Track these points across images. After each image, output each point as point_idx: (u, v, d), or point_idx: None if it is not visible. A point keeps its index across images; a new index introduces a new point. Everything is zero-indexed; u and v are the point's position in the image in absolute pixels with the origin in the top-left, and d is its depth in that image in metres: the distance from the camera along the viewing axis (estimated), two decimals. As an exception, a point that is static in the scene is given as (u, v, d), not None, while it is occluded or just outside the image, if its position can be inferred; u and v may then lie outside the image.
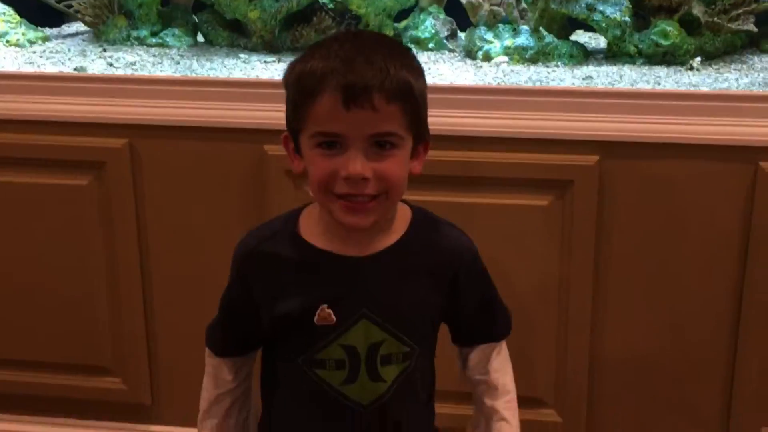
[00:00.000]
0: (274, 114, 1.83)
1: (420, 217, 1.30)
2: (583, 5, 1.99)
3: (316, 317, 1.23)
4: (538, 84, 1.85)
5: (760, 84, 1.82)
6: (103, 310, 2.03)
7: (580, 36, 2.22)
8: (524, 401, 1.89)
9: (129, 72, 1.95)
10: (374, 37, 1.22)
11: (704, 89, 1.79)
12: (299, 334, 1.25)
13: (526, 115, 1.78)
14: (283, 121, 1.80)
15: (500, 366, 1.39)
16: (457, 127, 1.77)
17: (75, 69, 1.97)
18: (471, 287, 1.31)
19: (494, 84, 1.85)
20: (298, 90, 1.17)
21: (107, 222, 1.96)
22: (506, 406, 1.38)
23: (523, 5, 2.06)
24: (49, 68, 2.00)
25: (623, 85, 1.83)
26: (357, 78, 1.12)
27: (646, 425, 1.93)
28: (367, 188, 1.16)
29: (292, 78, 1.19)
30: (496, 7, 2.06)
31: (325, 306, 1.23)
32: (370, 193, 1.16)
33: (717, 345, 1.85)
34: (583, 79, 1.88)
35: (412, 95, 1.16)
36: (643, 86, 1.82)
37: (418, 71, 1.19)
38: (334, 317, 1.23)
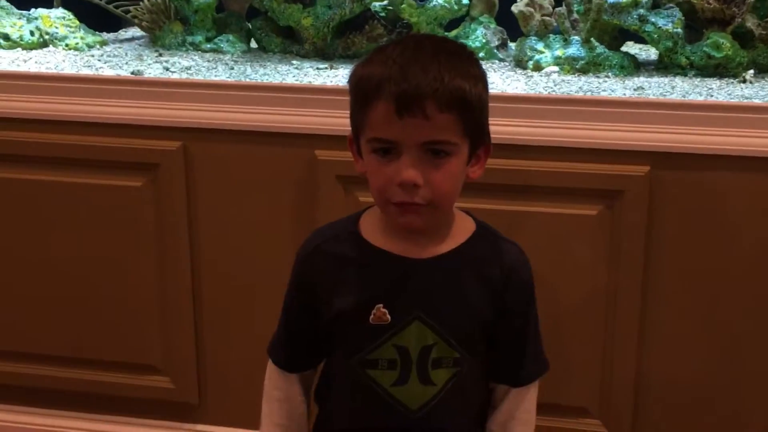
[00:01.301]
0: (325, 120, 1.88)
1: (482, 230, 1.32)
2: (635, 16, 1.99)
3: (371, 316, 1.25)
4: (589, 94, 1.85)
5: (814, 97, 1.81)
6: (154, 310, 2.06)
7: (631, 48, 2.22)
8: (568, 411, 1.92)
9: (185, 76, 1.99)
10: (435, 43, 1.23)
11: (757, 101, 1.79)
12: (354, 333, 1.27)
13: (577, 125, 1.79)
14: (334, 127, 1.87)
15: (520, 416, 1.35)
16: (508, 136, 1.78)
17: (132, 73, 2.01)
18: (516, 307, 1.31)
19: (545, 93, 1.86)
20: (357, 95, 1.22)
21: (160, 223, 2.00)
22: None
23: (575, 16, 2.07)
24: (107, 72, 2.04)
25: (675, 96, 1.83)
26: (410, 86, 1.14)
27: (693, 438, 1.92)
28: (418, 196, 1.18)
29: (353, 82, 1.24)
30: (547, 18, 2.07)
31: (380, 305, 1.25)
32: (419, 202, 1.19)
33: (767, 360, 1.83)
34: (635, 89, 1.88)
35: (467, 103, 1.18)
36: (695, 98, 1.81)
37: (477, 77, 1.20)
38: (389, 317, 1.24)
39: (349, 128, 1.82)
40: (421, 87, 1.14)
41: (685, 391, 1.88)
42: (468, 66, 1.20)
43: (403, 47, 1.19)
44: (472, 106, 1.19)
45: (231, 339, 2.06)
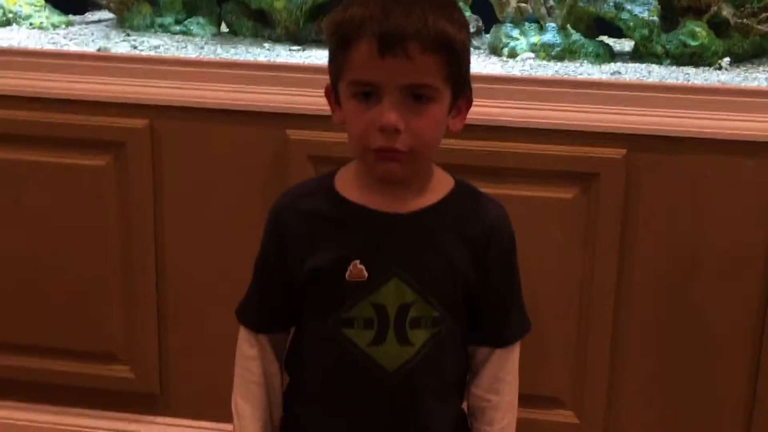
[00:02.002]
0: (297, 98, 1.84)
1: (462, 186, 1.28)
2: (611, 4, 1.98)
3: (348, 273, 1.21)
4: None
5: (790, 84, 1.80)
6: (116, 295, 1.99)
7: (606, 41, 2.21)
8: (540, 400, 1.88)
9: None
10: None
11: (734, 85, 1.77)
12: (329, 290, 1.22)
13: (552, 106, 1.77)
14: (306, 106, 1.83)
15: (504, 377, 1.32)
16: (483, 117, 1.75)
17: (98, 50, 1.96)
18: (498, 266, 1.27)
19: (523, 74, 1.84)
20: (337, 38, 1.17)
21: (124, 205, 1.94)
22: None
23: (551, 3, 2.05)
24: (72, 49, 1.99)
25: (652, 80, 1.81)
26: (393, 26, 1.11)
27: (667, 428, 1.88)
28: (398, 141, 1.14)
29: (332, 26, 1.19)
30: (523, 4, 2.05)
31: (357, 261, 1.20)
32: (400, 148, 1.15)
33: (742, 346, 1.81)
34: (611, 74, 1.87)
35: (451, 46, 1.15)
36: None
37: (461, 23, 1.17)
38: (366, 273, 1.20)
39: (321, 107, 1.80)
40: (404, 27, 1.11)
41: (659, 376, 1.85)
42: (452, 11, 1.18)
43: None
44: (456, 50, 1.16)
45: (195, 327, 2.00)
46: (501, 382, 1.31)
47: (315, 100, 1.81)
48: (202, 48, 2.01)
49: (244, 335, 1.34)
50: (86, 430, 2.08)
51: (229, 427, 1.93)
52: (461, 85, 1.21)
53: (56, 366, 2.06)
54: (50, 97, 1.90)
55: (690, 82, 1.79)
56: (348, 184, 1.25)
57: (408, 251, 1.22)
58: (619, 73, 1.87)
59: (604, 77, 1.83)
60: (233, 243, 1.92)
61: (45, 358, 2.06)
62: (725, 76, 1.86)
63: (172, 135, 1.89)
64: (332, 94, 1.24)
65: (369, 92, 1.15)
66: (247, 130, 1.87)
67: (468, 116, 1.28)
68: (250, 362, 1.32)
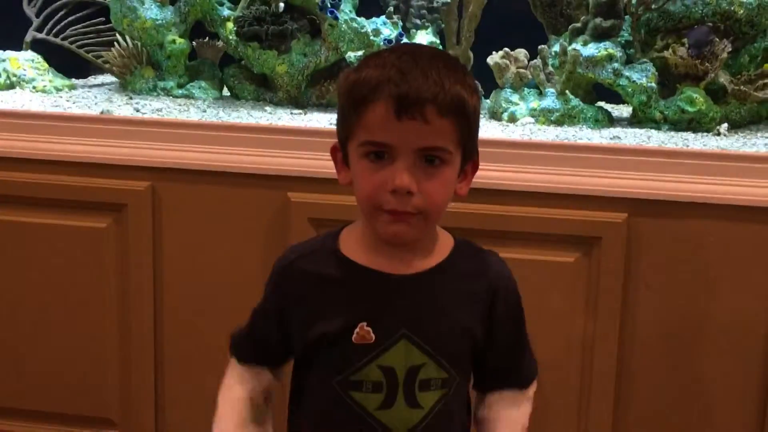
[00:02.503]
0: (298, 161, 1.85)
1: (463, 244, 1.28)
2: (609, 70, 2.01)
3: (354, 335, 1.18)
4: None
5: (788, 149, 1.82)
6: (113, 359, 1.98)
7: (604, 106, 2.23)
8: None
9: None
10: (431, 51, 1.21)
11: (734, 150, 1.79)
12: (336, 353, 1.20)
13: (554, 170, 1.77)
14: (308, 169, 1.83)
15: (518, 419, 1.30)
16: (485, 180, 1.75)
17: (101, 112, 1.97)
18: (507, 320, 1.26)
19: (525, 138, 1.85)
20: (351, 97, 1.16)
21: (123, 266, 1.93)
22: None
23: (550, 68, 2.08)
24: (75, 111, 2.00)
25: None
26: (411, 89, 1.11)
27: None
28: (409, 204, 1.14)
29: (345, 86, 1.18)
30: (522, 70, 2.08)
31: (364, 324, 1.19)
32: (411, 210, 1.15)
33: (744, 413, 1.79)
34: (611, 138, 1.88)
35: (465, 111, 1.15)
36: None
37: (473, 88, 1.18)
38: (373, 335, 1.18)
39: (323, 170, 1.82)
40: (422, 90, 1.11)
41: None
42: (465, 76, 1.18)
43: (399, 53, 1.16)
44: (469, 115, 1.16)
45: (192, 393, 1.97)
46: (515, 424, 1.29)
47: (316, 163, 1.83)
48: (204, 111, 2.02)
49: (234, 366, 1.33)
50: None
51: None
52: (471, 149, 1.21)
53: (51, 431, 2.03)
54: (52, 159, 1.90)
55: (690, 147, 1.80)
56: (353, 245, 1.24)
57: (415, 312, 1.20)
58: (619, 138, 1.89)
59: (604, 142, 1.85)
60: (232, 306, 1.89)
61: (40, 423, 2.03)
62: (724, 142, 1.87)
63: (174, 197, 1.89)
64: (339, 153, 1.23)
65: (381, 153, 1.14)
66: (248, 192, 1.87)
67: (472, 180, 1.28)
68: (237, 403, 1.31)
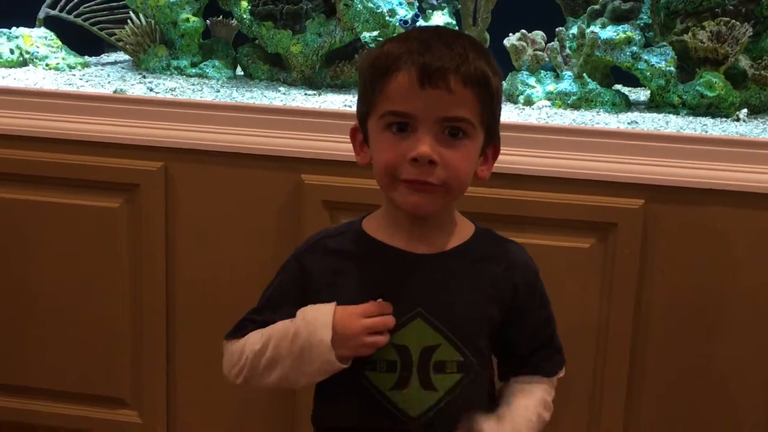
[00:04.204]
0: (312, 143, 1.83)
1: (484, 231, 1.27)
2: (627, 54, 1.98)
3: None
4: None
5: (809, 136, 1.79)
6: (126, 339, 1.97)
7: (622, 90, 2.20)
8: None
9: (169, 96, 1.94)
10: (455, 31, 1.24)
11: (753, 137, 1.76)
12: None
13: (571, 155, 1.75)
14: (322, 151, 1.82)
15: (537, 403, 1.26)
16: (501, 165, 1.72)
17: (114, 91, 1.96)
18: (529, 306, 1.25)
19: (541, 123, 1.83)
20: (373, 70, 1.16)
21: (136, 246, 1.92)
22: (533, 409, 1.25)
23: (567, 51, 2.05)
24: (88, 90, 1.98)
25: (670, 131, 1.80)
26: (434, 58, 1.11)
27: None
28: (432, 175, 1.12)
29: (367, 61, 1.18)
30: (539, 53, 2.05)
31: (380, 300, 1.18)
32: (433, 181, 1.13)
33: (762, 398, 1.78)
34: (628, 123, 1.86)
35: (489, 86, 1.15)
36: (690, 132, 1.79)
37: (495, 69, 1.17)
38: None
39: (337, 152, 1.81)
40: (446, 60, 1.11)
41: (677, 429, 1.82)
42: (489, 56, 1.18)
43: (421, 30, 1.19)
44: (492, 92, 1.16)
45: (204, 372, 1.96)
46: (533, 403, 1.25)
47: (330, 145, 1.81)
48: (218, 91, 2.01)
49: (233, 345, 1.27)
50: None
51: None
52: (493, 131, 1.20)
53: (64, 410, 2.03)
54: (65, 138, 1.89)
55: (709, 134, 1.78)
56: (375, 225, 1.24)
57: (432, 292, 1.19)
58: (636, 122, 1.87)
59: (622, 127, 1.83)
60: (245, 286, 1.88)
61: (53, 402, 2.03)
62: (743, 128, 1.85)
63: (187, 177, 1.88)
64: (359, 135, 1.23)
65: (403, 126, 1.13)
66: (261, 174, 1.86)
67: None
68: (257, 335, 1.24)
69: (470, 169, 1.17)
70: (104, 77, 2.12)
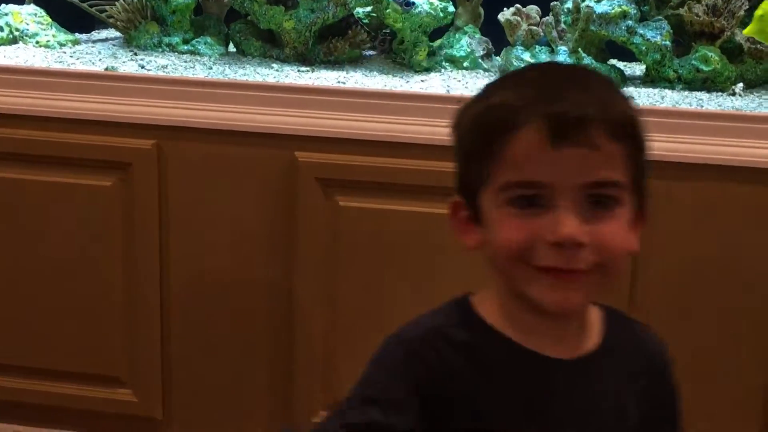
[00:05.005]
0: (306, 120, 1.82)
1: (612, 314, 1.03)
2: (623, 28, 1.97)
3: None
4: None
5: (805, 110, 1.78)
6: (120, 318, 1.97)
7: (617, 65, 2.19)
8: None
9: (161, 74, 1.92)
10: (572, 66, 1.06)
11: (750, 111, 1.76)
12: None
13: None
14: (316, 128, 1.80)
15: None
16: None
17: (106, 69, 1.94)
18: (667, 400, 1.05)
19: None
20: (483, 128, 0.91)
21: (129, 225, 1.91)
22: None
23: (562, 26, 2.04)
24: (79, 68, 1.97)
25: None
26: (570, 105, 0.87)
27: None
28: (580, 260, 0.88)
29: (469, 118, 0.93)
30: (534, 27, 2.04)
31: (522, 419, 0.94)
32: (582, 268, 0.88)
33: (748, 364, 1.79)
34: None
35: (639, 135, 0.92)
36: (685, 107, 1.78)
37: (637, 110, 0.95)
38: None
39: (330, 128, 1.79)
40: (585, 105, 0.87)
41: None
42: (624, 93, 0.96)
43: (536, 70, 0.97)
44: (642, 142, 0.93)
45: (199, 351, 1.97)
46: None
47: (324, 122, 1.80)
48: (211, 68, 1.99)
49: None
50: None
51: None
52: (642, 189, 0.93)
53: (58, 389, 2.03)
54: (56, 116, 1.88)
55: (704, 108, 1.77)
56: (497, 319, 0.96)
57: (580, 404, 0.96)
58: (632, 97, 1.85)
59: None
60: (239, 265, 1.90)
61: (47, 381, 2.03)
62: (739, 102, 1.84)
63: (179, 156, 1.87)
64: (463, 212, 0.97)
65: (534, 199, 0.89)
66: (255, 152, 1.85)
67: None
68: None
69: (626, 245, 0.91)
70: (95, 54, 2.10)
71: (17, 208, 1.94)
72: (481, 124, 0.92)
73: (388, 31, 2.14)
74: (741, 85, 1.91)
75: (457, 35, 2.14)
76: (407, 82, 1.97)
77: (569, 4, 2.03)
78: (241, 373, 1.94)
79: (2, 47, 2.14)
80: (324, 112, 1.79)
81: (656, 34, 1.96)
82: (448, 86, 1.94)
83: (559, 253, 0.88)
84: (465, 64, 2.10)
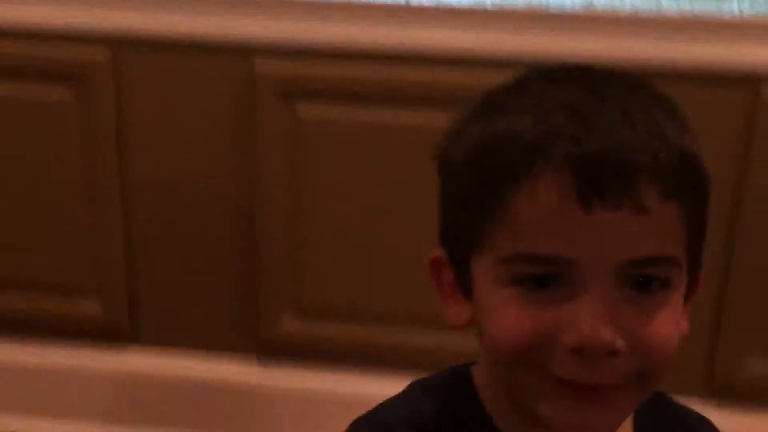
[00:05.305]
0: (265, 25, 1.76)
1: (645, 407, 0.75)
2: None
3: None
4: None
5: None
6: (82, 232, 1.96)
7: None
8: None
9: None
10: (620, 76, 0.67)
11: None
12: None
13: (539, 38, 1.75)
14: (278, 35, 1.77)
15: None
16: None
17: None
18: None
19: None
20: (482, 169, 0.64)
21: (87, 140, 1.89)
22: None
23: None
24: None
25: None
26: (610, 145, 0.60)
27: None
28: (614, 371, 0.62)
29: (463, 147, 0.66)
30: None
31: None
32: (615, 381, 0.63)
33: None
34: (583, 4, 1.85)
35: (702, 184, 0.66)
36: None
37: (696, 139, 0.67)
38: None
39: (292, 36, 1.76)
40: (632, 147, 0.60)
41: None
42: (683, 117, 0.67)
43: (560, 80, 0.65)
44: (706, 195, 0.67)
45: (162, 259, 1.98)
46: None
47: (284, 26, 1.76)
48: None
49: None
50: (51, 364, 2.07)
51: (198, 353, 1.94)
52: (698, 257, 0.68)
53: (22, 298, 2.03)
54: (2, 26, 1.81)
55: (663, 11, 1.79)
56: (500, 412, 0.71)
57: None
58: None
59: (577, 8, 1.81)
60: (200, 180, 1.90)
61: (11, 290, 2.03)
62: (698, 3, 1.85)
63: (136, 68, 1.84)
64: (448, 273, 0.71)
65: (548, 277, 0.63)
66: (212, 62, 1.81)
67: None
68: None
69: (677, 341, 0.65)
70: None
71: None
72: (478, 161, 0.64)
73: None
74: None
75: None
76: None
77: None
78: (210, 287, 1.97)
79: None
80: (285, 14, 1.75)
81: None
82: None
83: (583, 362, 0.61)
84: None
